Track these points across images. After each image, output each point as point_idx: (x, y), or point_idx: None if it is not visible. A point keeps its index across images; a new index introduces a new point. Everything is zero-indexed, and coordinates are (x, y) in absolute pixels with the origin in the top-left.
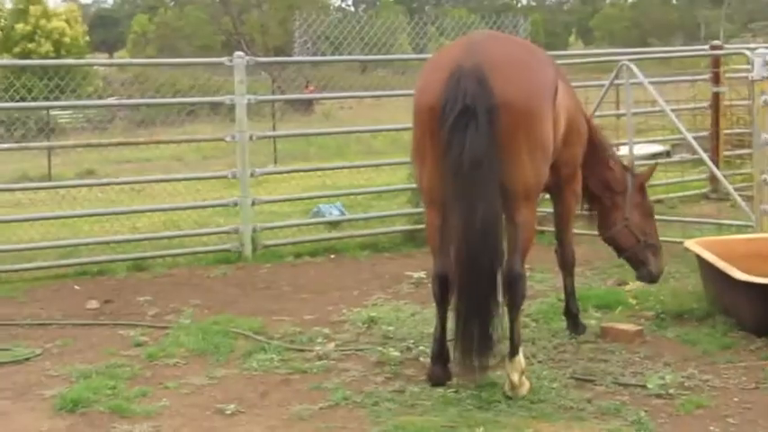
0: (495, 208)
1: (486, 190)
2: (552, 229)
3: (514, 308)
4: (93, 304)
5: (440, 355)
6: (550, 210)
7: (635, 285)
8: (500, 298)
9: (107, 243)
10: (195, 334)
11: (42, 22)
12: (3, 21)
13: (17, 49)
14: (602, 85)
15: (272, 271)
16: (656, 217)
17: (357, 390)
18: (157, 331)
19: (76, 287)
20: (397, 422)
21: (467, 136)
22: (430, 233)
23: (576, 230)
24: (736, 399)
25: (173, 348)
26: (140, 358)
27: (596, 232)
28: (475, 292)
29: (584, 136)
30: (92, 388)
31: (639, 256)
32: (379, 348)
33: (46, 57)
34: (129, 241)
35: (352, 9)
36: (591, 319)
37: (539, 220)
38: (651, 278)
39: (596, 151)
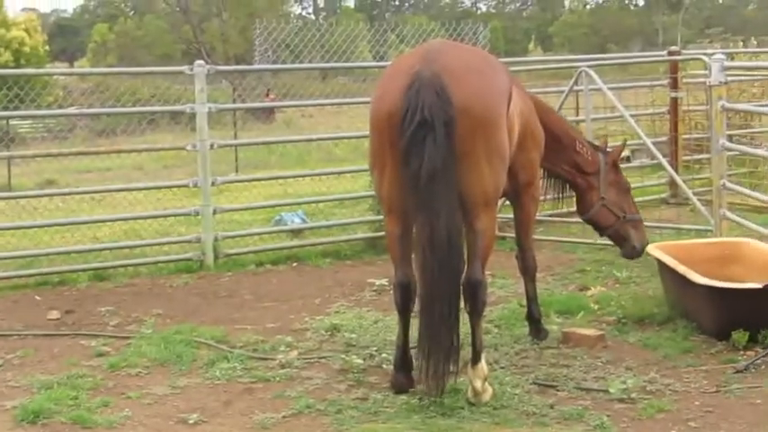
0: (456, 218)
1: (447, 201)
2: (513, 235)
3: (476, 315)
4: (55, 314)
5: (403, 363)
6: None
7: (596, 290)
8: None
9: (68, 253)
10: (157, 343)
11: (1, 31)
12: None
13: None
14: (562, 92)
15: (234, 280)
16: None
17: (320, 398)
18: (119, 341)
19: (37, 297)
20: (361, 430)
21: (425, 149)
22: (390, 242)
23: (536, 236)
24: (697, 402)
25: (135, 358)
26: (102, 368)
27: (557, 237)
28: (440, 301)
29: (540, 140)
30: (53, 399)
31: (621, 232)
32: (342, 356)
33: (5, 66)
34: (90, 251)
35: (313, 17)
36: (553, 325)
37: (499, 226)
38: (635, 253)
39: (559, 139)
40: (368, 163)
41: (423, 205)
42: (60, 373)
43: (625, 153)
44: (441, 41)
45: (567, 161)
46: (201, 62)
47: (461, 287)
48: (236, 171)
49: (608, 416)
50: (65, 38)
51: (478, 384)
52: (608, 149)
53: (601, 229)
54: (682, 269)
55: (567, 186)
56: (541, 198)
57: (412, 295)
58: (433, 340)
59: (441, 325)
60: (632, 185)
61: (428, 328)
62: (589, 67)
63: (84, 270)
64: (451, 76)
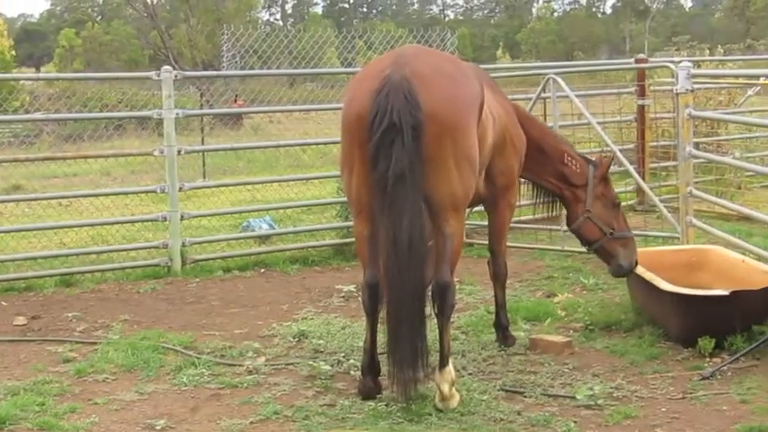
0: (419, 221)
1: (411, 204)
2: (481, 241)
3: (444, 317)
4: (21, 320)
5: (370, 368)
6: (480, 222)
7: (564, 297)
8: (428, 310)
9: (34, 259)
10: (124, 349)
11: None
12: None
13: None
14: (530, 98)
15: (202, 285)
16: None
17: (288, 404)
18: (86, 347)
19: (3, 303)
20: None
21: (393, 152)
22: (359, 243)
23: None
24: (663, 408)
25: (102, 364)
26: (69, 374)
27: (525, 244)
28: (402, 304)
29: (520, 147)
30: (20, 405)
31: (607, 248)
32: (310, 362)
33: None
34: (56, 257)
35: (281, 23)
36: (520, 331)
37: (468, 233)
38: (621, 272)
39: (543, 151)
40: (339, 164)
41: (388, 208)
42: (27, 379)
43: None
44: (413, 47)
45: (552, 173)
46: (169, 68)
47: (430, 291)
48: (204, 177)
49: (575, 422)
50: (31, 43)
51: (446, 388)
52: (598, 162)
53: (586, 243)
54: (648, 276)
55: (554, 197)
56: (517, 204)
57: (380, 296)
58: (398, 344)
59: (404, 328)
60: None
61: (392, 331)
62: (557, 74)
63: (50, 276)
64: (421, 81)
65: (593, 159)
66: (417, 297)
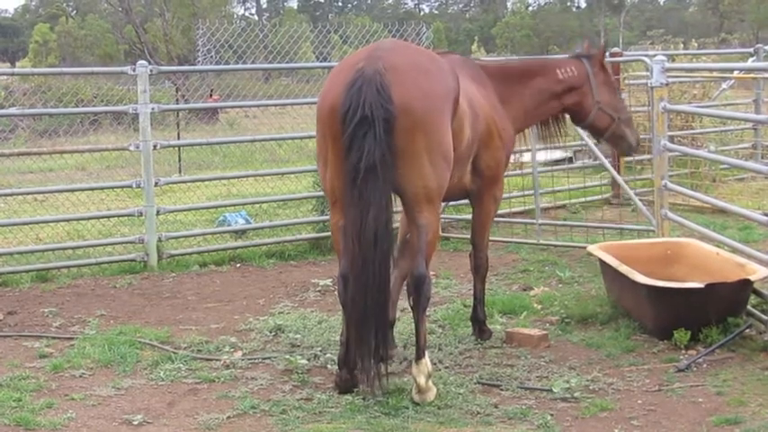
0: (386, 215)
1: (378, 196)
2: (457, 235)
3: (419, 309)
4: None
5: (347, 360)
6: (456, 216)
7: (539, 290)
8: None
9: (10, 254)
10: (101, 345)
11: None
12: None
13: None
14: None
15: (178, 280)
16: (559, 222)
17: (265, 398)
18: (62, 342)
19: None
20: (305, 430)
21: (365, 144)
22: (334, 233)
23: None
24: (639, 401)
25: (78, 359)
26: (45, 370)
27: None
28: (367, 296)
29: (508, 140)
30: None
31: (617, 132)
32: (287, 356)
33: None
34: (32, 252)
35: (256, 18)
36: (496, 325)
37: (444, 226)
38: (632, 150)
39: (542, 91)
40: (315, 156)
41: (357, 199)
42: (3, 374)
43: (567, 154)
44: (391, 41)
45: (557, 99)
46: (144, 62)
47: (407, 282)
48: (180, 172)
49: (551, 415)
50: (6, 38)
51: (422, 380)
52: (587, 51)
53: (599, 134)
54: (624, 269)
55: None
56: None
57: None
58: (361, 336)
59: (366, 320)
60: (574, 186)
61: (355, 323)
62: None
63: (26, 271)
64: (394, 74)
65: (582, 52)
66: (381, 290)
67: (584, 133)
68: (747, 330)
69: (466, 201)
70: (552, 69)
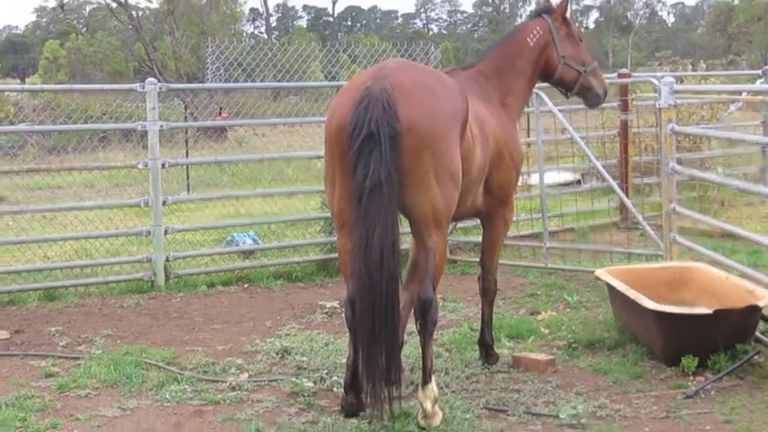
0: (393, 234)
1: (384, 215)
2: (465, 258)
3: (426, 334)
4: (3, 334)
5: (353, 384)
6: (463, 238)
7: (547, 315)
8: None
9: (18, 272)
10: (107, 364)
11: None
12: None
13: None
14: None
15: (185, 300)
16: (567, 246)
17: (270, 421)
18: (69, 362)
19: None
20: None
21: (371, 161)
22: (341, 257)
23: None
24: (647, 428)
25: (84, 379)
26: (51, 389)
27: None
28: (375, 318)
29: (519, 160)
30: (1, 420)
31: (585, 84)
32: (293, 379)
33: None
34: (40, 270)
35: (265, 36)
36: (503, 349)
37: (451, 248)
38: (599, 100)
39: (526, 68)
40: (323, 178)
41: (362, 218)
42: (8, 393)
43: (575, 176)
44: (397, 60)
45: (536, 64)
46: (153, 80)
47: (415, 305)
48: (188, 190)
49: None
50: (16, 54)
51: (428, 406)
52: (545, 4)
53: (568, 88)
54: (632, 294)
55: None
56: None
57: None
58: (370, 359)
59: (375, 343)
60: (582, 209)
61: (364, 346)
62: (540, 88)
63: (34, 289)
64: (401, 93)
65: (544, 5)
66: (389, 311)
67: (592, 155)
68: (756, 357)
69: (473, 222)
70: (523, 40)
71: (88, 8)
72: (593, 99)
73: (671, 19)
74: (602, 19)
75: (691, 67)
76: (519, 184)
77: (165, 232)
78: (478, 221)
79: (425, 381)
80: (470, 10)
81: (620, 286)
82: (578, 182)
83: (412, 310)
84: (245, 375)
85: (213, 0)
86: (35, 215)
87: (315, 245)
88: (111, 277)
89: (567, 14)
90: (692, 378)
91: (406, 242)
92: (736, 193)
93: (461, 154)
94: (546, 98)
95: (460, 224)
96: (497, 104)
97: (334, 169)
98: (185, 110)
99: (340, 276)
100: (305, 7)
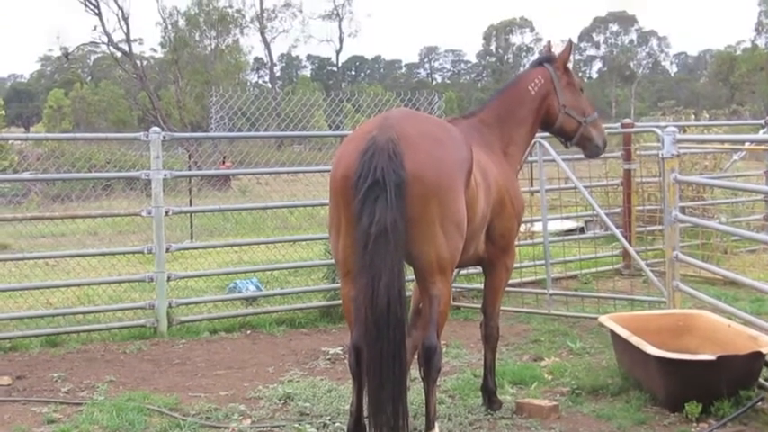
0: (399, 282)
1: (390, 263)
2: (468, 304)
3: (430, 381)
4: (5, 380)
5: (356, 430)
6: (467, 285)
7: (550, 361)
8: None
9: (20, 318)
10: (109, 411)
11: None
12: None
13: None
14: None
15: (188, 347)
16: (570, 293)
17: None
18: (71, 408)
19: None
20: None
21: (377, 209)
22: (345, 304)
23: None
24: None
25: (86, 425)
26: None
27: (511, 308)
28: (383, 366)
29: (520, 209)
30: None
31: (585, 134)
32: (296, 425)
33: None
34: (42, 316)
35: (269, 86)
36: (506, 395)
37: (455, 296)
38: (599, 151)
39: (527, 116)
40: (327, 226)
41: (367, 266)
42: None
43: (579, 224)
44: (401, 110)
45: (537, 113)
46: (157, 129)
47: (418, 353)
48: (192, 238)
49: None
50: (21, 103)
51: None
52: (546, 52)
53: (567, 138)
54: (635, 340)
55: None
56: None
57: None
58: (378, 407)
59: (382, 390)
60: (585, 256)
61: (372, 393)
62: (543, 138)
63: (36, 336)
64: (407, 143)
65: (545, 54)
66: (397, 359)
67: (595, 204)
68: (759, 403)
69: (476, 269)
70: (525, 89)
71: (93, 57)
72: (592, 150)
73: (674, 69)
74: (606, 69)
75: (694, 116)
76: (522, 231)
77: (168, 279)
78: (480, 268)
79: (429, 427)
80: (474, 60)
81: (624, 332)
82: (581, 229)
83: (415, 357)
84: (248, 421)
85: (217, 50)
86: (38, 262)
87: (318, 291)
88: (113, 323)
89: (570, 64)
90: (695, 424)
91: (409, 289)
92: (738, 241)
93: (465, 202)
94: (549, 147)
95: (463, 271)
96: (499, 153)
97: (339, 217)
98: (189, 158)
99: (343, 322)
100: (309, 57)
